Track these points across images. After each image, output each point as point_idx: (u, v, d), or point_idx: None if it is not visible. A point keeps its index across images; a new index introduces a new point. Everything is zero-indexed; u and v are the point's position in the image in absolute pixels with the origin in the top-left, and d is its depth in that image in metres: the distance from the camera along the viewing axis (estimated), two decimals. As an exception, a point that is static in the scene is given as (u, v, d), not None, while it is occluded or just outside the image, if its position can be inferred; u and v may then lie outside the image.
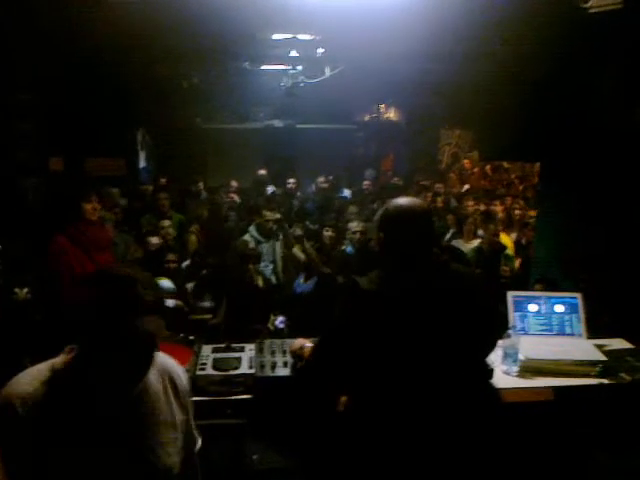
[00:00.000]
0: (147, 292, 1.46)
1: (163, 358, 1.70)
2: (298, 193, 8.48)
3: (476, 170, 10.40)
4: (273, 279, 5.58)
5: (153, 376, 1.60)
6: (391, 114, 11.71)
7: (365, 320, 1.89)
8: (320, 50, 5.29)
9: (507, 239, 6.24)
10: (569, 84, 4.39)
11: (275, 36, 4.87)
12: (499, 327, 2.19)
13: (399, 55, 4.81)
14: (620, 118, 4.07)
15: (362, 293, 1.93)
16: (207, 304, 5.08)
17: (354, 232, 5.35)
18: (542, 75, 4.41)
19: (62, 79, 4.49)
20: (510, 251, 5.93)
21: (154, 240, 5.51)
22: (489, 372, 2.10)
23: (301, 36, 4.86)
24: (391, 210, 2.06)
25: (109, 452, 1.47)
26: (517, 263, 5.97)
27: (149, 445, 1.54)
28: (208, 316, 5.00)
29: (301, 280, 5.19)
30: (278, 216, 5.97)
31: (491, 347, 2.11)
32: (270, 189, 8.70)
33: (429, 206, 2.26)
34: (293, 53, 5.39)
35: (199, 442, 1.81)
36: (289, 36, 4.81)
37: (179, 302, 5.01)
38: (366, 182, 8.84)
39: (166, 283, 4.85)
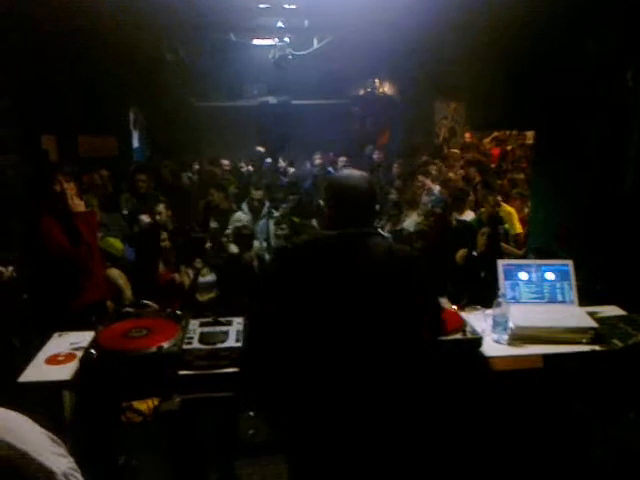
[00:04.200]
0: None
1: None
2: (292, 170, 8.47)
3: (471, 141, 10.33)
4: (267, 256, 5.57)
5: None
6: (386, 88, 11.58)
7: (286, 272, 2.02)
8: (306, 21, 5.20)
9: (510, 208, 6.10)
10: (559, 50, 4.31)
11: (259, 5, 4.77)
12: (431, 312, 2.14)
13: (385, 25, 4.72)
14: (611, 84, 4.00)
15: (286, 250, 2.15)
16: (210, 278, 5.10)
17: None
18: (531, 42, 4.33)
19: (46, 55, 4.40)
20: (510, 224, 5.80)
21: (146, 219, 5.46)
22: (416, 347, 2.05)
23: (286, 5, 4.77)
24: (333, 181, 2.21)
25: None
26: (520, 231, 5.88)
27: None
28: (213, 294, 5.04)
29: None
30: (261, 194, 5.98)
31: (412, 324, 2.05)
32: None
33: (372, 180, 2.29)
34: (279, 24, 5.30)
35: None
36: (272, 5, 4.70)
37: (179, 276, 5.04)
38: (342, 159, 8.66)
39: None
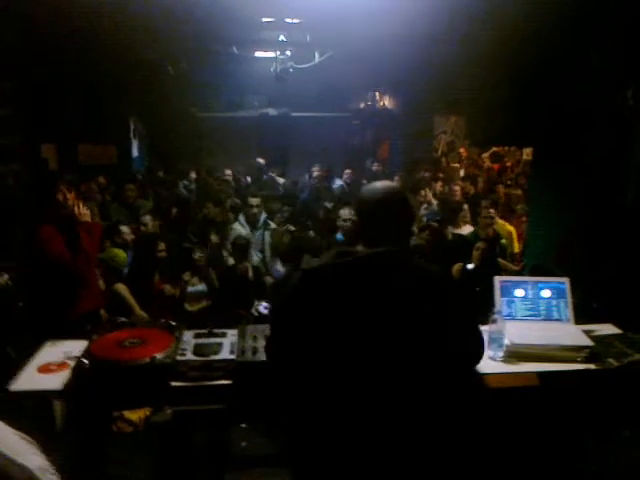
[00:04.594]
0: None
1: None
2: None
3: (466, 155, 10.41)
4: (262, 267, 5.56)
5: None
6: (386, 101, 11.63)
7: (307, 293, 1.91)
8: (308, 35, 5.24)
9: (511, 227, 6.12)
10: (561, 67, 4.34)
11: (262, 19, 4.81)
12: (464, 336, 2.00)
13: (387, 40, 4.75)
14: (612, 101, 4.02)
15: (314, 271, 1.96)
16: (200, 288, 5.08)
17: (344, 220, 5.27)
18: (533, 58, 4.35)
19: (46, 64, 4.42)
20: (508, 243, 5.82)
21: (126, 230, 5.44)
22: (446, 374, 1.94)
23: (288, 19, 4.80)
24: (363, 194, 2.06)
25: None
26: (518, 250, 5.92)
27: None
28: (203, 304, 5.01)
29: (278, 266, 5.20)
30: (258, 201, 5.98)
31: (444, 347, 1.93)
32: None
33: (403, 191, 2.21)
34: (282, 38, 5.34)
35: None
36: (275, 19, 4.74)
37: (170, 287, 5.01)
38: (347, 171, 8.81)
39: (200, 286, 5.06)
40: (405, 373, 1.88)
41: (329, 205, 6.84)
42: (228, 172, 9.00)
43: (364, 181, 8.57)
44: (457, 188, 7.17)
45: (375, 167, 9.32)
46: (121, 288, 4.64)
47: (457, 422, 1.98)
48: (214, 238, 5.85)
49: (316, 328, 1.90)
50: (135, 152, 9.78)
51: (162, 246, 5.19)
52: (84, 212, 3.79)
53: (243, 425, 3.62)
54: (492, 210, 5.74)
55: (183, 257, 5.20)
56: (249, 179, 9.25)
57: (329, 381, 1.89)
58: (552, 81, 4.43)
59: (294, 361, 1.96)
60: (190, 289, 5.06)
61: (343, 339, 1.87)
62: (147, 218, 5.80)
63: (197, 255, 5.20)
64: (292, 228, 5.87)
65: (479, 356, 2.11)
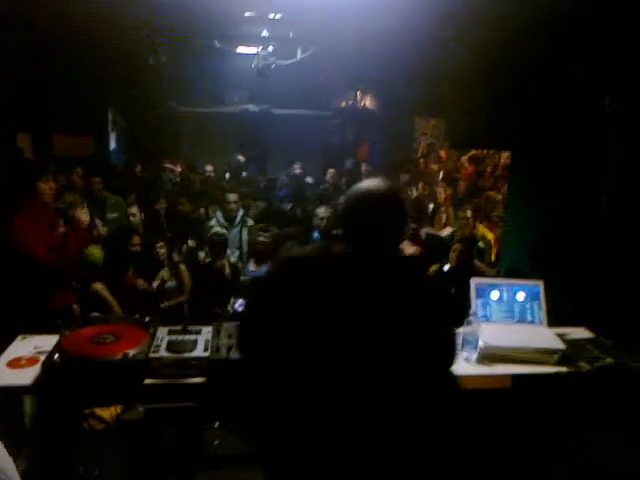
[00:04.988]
0: None
1: None
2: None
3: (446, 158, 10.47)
4: (239, 265, 5.52)
5: None
6: (367, 101, 11.64)
7: (289, 282, 1.86)
8: (291, 32, 5.22)
9: (491, 235, 6.13)
10: (539, 73, 4.38)
11: (245, 14, 4.78)
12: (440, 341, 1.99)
13: (369, 39, 4.75)
14: (589, 108, 4.07)
15: (291, 258, 1.92)
16: (170, 284, 5.02)
17: (321, 218, 5.26)
18: (513, 63, 4.38)
19: (21, 54, 4.33)
20: (486, 249, 5.84)
21: (99, 222, 5.33)
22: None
23: (271, 14, 4.78)
24: (349, 193, 1.95)
25: None
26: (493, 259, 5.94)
27: None
28: (174, 301, 4.97)
29: (251, 267, 5.17)
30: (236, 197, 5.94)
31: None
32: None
33: (398, 190, 2.13)
34: (264, 33, 5.31)
35: None
36: (257, 14, 4.71)
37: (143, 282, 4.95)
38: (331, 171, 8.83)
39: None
40: (379, 373, 1.85)
41: (288, 206, 6.81)
42: (209, 168, 8.93)
43: (342, 180, 8.59)
44: (440, 190, 7.21)
45: (364, 168, 9.27)
46: (100, 287, 4.58)
47: (433, 420, 1.97)
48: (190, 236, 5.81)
49: (291, 314, 1.84)
50: (113, 144, 9.65)
51: (136, 240, 5.11)
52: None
53: (216, 424, 3.59)
54: (469, 212, 5.76)
55: (153, 253, 5.13)
56: (227, 175, 9.19)
57: (302, 372, 1.85)
58: (531, 86, 4.47)
59: (266, 343, 1.90)
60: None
61: (317, 331, 1.82)
62: (134, 209, 5.74)
63: (161, 251, 5.11)
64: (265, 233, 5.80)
65: (451, 361, 2.08)
